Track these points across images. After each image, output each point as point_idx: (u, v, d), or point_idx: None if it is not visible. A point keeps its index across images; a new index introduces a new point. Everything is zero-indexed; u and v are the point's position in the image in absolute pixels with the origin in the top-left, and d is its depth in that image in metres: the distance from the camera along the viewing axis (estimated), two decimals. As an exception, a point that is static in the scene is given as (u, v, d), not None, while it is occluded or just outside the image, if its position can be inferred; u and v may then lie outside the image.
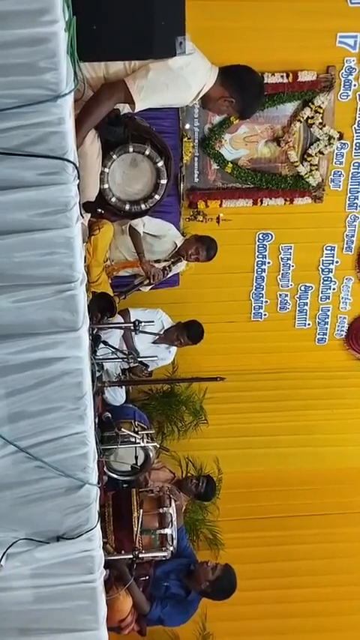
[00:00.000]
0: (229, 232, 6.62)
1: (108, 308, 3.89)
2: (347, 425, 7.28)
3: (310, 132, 6.62)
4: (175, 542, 4.19)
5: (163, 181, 3.62)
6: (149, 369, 5.28)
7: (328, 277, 7.25)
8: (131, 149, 3.53)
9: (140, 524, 4.03)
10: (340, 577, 6.81)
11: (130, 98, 3.16)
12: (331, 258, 7.17)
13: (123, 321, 5.14)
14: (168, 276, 5.70)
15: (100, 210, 3.69)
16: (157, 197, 3.70)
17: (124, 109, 3.44)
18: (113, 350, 4.01)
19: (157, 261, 5.58)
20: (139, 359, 4.43)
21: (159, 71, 3.11)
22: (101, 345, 3.82)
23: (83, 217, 3.08)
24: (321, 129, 6.57)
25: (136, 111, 3.25)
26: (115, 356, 4.10)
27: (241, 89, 3.45)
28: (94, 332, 3.73)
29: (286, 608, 6.58)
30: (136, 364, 4.56)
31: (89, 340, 3.03)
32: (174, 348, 5.78)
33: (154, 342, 5.58)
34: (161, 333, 5.53)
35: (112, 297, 3.95)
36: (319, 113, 6.52)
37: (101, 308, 3.90)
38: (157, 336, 5.47)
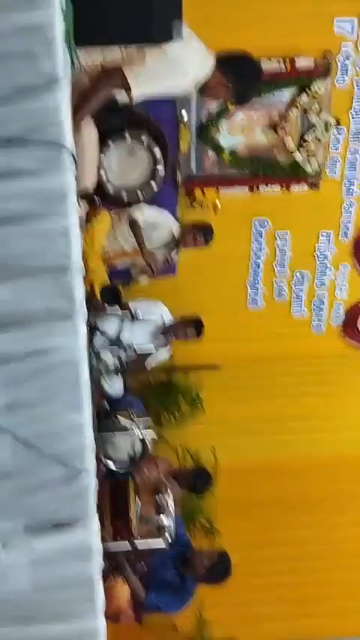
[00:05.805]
0: (226, 220, 6.60)
1: (114, 298, 3.86)
2: (344, 412, 7.28)
3: (307, 118, 6.59)
4: (172, 530, 4.20)
5: (160, 169, 3.60)
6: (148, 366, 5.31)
7: (324, 264, 7.23)
8: (128, 137, 3.51)
9: (137, 513, 4.03)
10: (338, 563, 6.85)
11: (127, 85, 3.14)
12: (327, 245, 7.15)
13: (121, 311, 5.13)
14: (169, 265, 5.70)
15: (97, 198, 3.67)
16: (153, 185, 3.68)
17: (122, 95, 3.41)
18: (110, 340, 4.01)
19: (157, 249, 5.58)
20: (137, 349, 4.42)
21: (156, 58, 3.09)
22: (98, 334, 3.82)
23: (80, 206, 3.07)
24: (318, 115, 6.54)
25: (134, 101, 3.22)
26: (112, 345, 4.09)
27: (239, 75, 3.42)
28: (91, 321, 3.71)
29: (284, 595, 6.62)
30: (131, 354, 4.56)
31: (86, 330, 3.02)
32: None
33: (152, 334, 5.56)
34: (159, 322, 5.52)
35: (118, 287, 3.93)
36: (316, 99, 6.49)
37: (107, 299, 3.88)
38: (157, 327, 5.46)
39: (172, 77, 3.22)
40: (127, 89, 3.17)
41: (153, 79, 3.15)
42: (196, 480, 5.58)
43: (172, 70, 3.18)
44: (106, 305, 4.11)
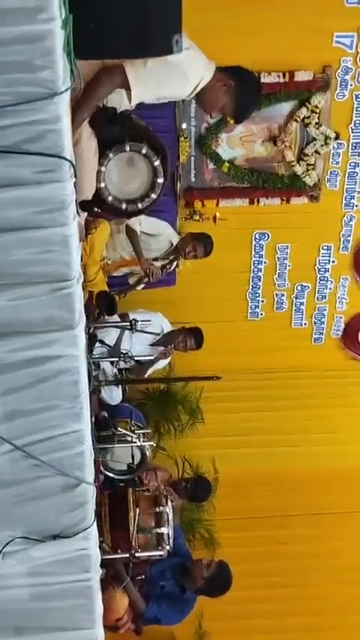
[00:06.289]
0: (226, 232, 6.62)
1: (109, 306, 3.87)
2: (343, 424, 7.28)
3: (307, 132, 6.63)
4: (171, 541, 4.18)
5: (160, 180, 3.60)
6: (147, 374, 5.30)
7: (324, 277, 7.25)
8: (128, 148, 3.51)
9: (136, 523, 4.02)
10: (337, 576, 6.83)
11: (127, 84, 3.13)
12: (328, 258, 7.18)
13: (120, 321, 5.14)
14: (166, 274, 5.72)
15: (96, 209, 3.68)
16: (153, 196, 3.68)
17: (122, 106, 3.43)
18: (109, 349, 4.01)
19: (155, 259, 5.60)
20: (137, 358, 4.43)
21: (157, 62, 3.09)
22: (98, 344, 3.82)
23: (80, 216, 3.08)
24: (317, 129, 6.58)
25: (133, 102, 3.22)
26: (112, 355, 4.10)
27: (240, 80, 3.44)
28: (91, 331, 3.72)
29: (283, 607, 6.60)
30: (131, 364, 4.56)
31: (86, 339, 3.03)
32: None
33: (152, 345, 5.58)
34: (159, 333, 5.53)
35: (113, 296, 3.94)
36: (316, 113, 6.53)
37: (102, 306, 3.89)
38: (156, 338, 5.47)
39: (172, 82, 3.21)
40: (127, 88, 3.17)
41: (153, 80, 3.14)
42: (196, 489, 5.57)
43: (173, 74, 3.18)
44: (104, 314, 4.11)
